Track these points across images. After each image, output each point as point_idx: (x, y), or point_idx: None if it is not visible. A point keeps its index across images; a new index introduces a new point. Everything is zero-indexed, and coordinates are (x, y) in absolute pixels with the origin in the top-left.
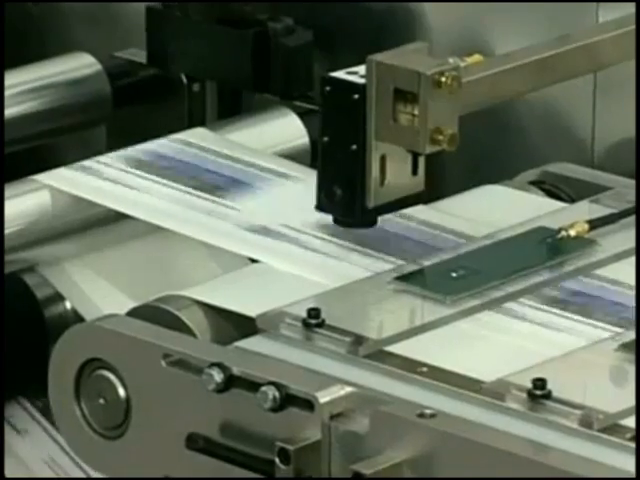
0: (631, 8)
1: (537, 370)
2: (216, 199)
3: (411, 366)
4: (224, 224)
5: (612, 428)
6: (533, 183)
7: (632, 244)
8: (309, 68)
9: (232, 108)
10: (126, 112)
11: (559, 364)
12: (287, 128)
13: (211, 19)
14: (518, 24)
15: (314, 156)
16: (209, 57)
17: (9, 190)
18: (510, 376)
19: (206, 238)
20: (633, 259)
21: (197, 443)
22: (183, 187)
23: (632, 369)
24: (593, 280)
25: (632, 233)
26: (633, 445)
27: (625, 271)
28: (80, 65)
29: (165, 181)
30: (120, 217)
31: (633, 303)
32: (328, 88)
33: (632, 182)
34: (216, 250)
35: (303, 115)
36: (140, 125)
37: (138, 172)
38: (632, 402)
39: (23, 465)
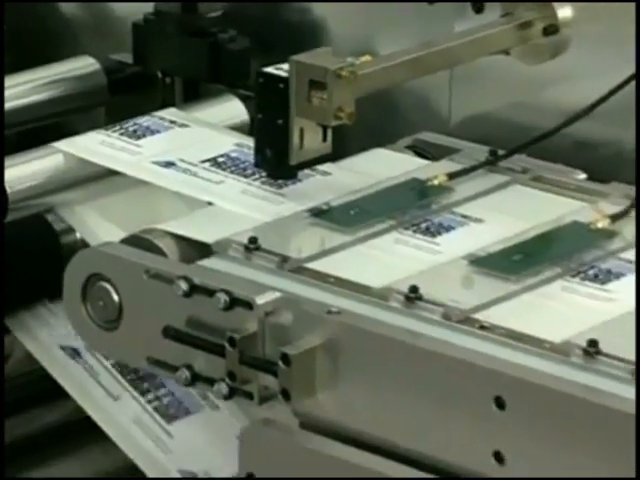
0: (480, 20)
1: (412, 279)
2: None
3: (322, 277)
4: (180, 174)
5: (466, 320)
6: (408, 147)
7: (478, 190)
8: (248, 65)
9: (193, 95)
10: (118, 98)
11: (427, 275)
12: (232, 109)
13: (179, 32)
14: (396, 33)
15: (252, 128)
16: (178, 59)
17: (34, 154)
18: (393, 284)
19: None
20: (479, 201)
21: (170, 333)
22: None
23: (479, 278)
24: (450, 215)
25: (478, 182)
26: (481, 332)
27: (473, 209)
28: (84, 65)
29: (144, 145)
30: (115, 172)
31: (477, 231)
32: (261, 80)
33: (477, 145)
34: (185, 196)
35: (244, 99)
36: (128, 107)
37: (127, 139)
38: (479, 301)
39: (44, 349)
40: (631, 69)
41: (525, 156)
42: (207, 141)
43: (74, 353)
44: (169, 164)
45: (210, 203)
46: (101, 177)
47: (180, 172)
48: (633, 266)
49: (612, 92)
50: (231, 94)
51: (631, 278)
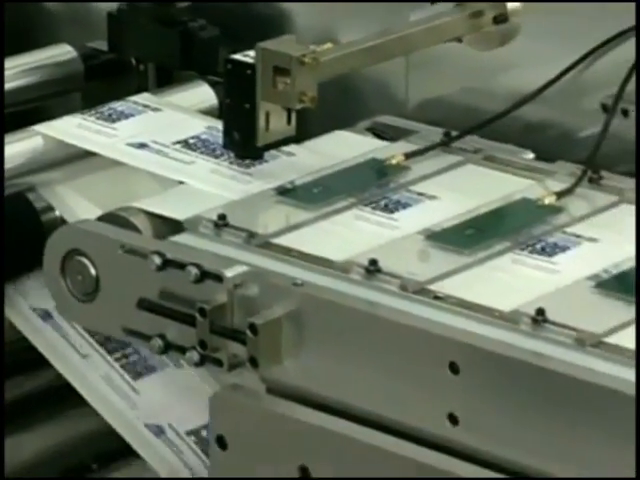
0: (434, 10)
1: (371, 253)
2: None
3: (287, 252)
4: (152, 155)
5: (422, 291)
6: (367, 129)
7: (433, 169)
8: (217, 53)
9: (166, 81)
10: (94, 84)
11: (386, 249)
12: (202, 94)
13: (152, 21)
14: (356, 23)
15: (221, 112)
16: (151, 46)
17: (15, 136)
18: (354, 257)
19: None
20: (434, 179)
21: (144, 304)
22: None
23: (434, 252)
24: (407, 193)
25: (433, 162)
26: (436, 302)
27: (429, 187)
28: (62, 52)
29: (119, 128)
30: (91, 154)
31: (433, 208)
32: (229, 66)
33: (432, 127)
34: (158, 176)
35: (213, 85)
36: (103, 92)
37: (103, 123)
38: (434, 273)
39: (23, 316)
40: (575, 56)
41: (477, 137)
42: (178, 124)
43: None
44: (142, 145)
45: (181, 182)
46: (79, 158)
47: (153, 153)
48: (578, 240)
49: (558, 77)
50: (201, 80)
51: (575, 251)
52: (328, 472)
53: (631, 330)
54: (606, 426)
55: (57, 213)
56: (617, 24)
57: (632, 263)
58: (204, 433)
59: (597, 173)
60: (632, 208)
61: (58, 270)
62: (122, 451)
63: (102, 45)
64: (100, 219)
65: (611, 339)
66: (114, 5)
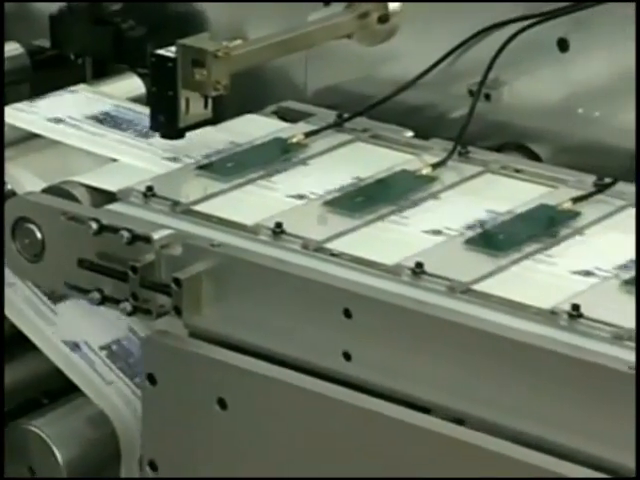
0: (328, 11)
1: (278, 217)
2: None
3: (207, 218)
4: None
5: (320, 249)
6: (273, 113)
7: (328, 146)
8: (144, 48)
9: (101, 73)
10: (39, 75)
11: (290, 214)
12: (132, 84)
13: (89, 21)
14: (262, 22)
15: (148, 99)
16: (88, 43)
17: None
18: (262, 221)
19: (88, 147)
20: (329, 154)
21: (84, 263)
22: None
23: (330, 216)
24: (307, 166)
25: (328, 139)
26: (332, 258)
27: (325, 161)
28: (11, 48)
29: (63, 115)
30: (37, 135)
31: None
32: (154, 59)
33: (327, 110)
34: (95, 154)
35: (142, 76)
36: (47, 83)
37: (47, 109)
38: (330, 233)
39: None
40: (445, 49)
41: (365, 119)
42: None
43: None
44: (81, 129)
45: (115, 159)
46: (26, 139)
47: (89, 134)
48: (448, 205)
49: (431, 67)
50: (131, 72)
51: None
52: (242, 403)
53: (493, 279)
54: (469, 360)
55: (8, 187)
56: (479, 22)
57: (495, 222)
58: (114, 347)
59: (465, 148)
60: (494, 177)
61: (9, 235)
62: (68, 388)
63: (45, 42)
64: (45, 191)
65: (477, 287)
66: (55, 7)
